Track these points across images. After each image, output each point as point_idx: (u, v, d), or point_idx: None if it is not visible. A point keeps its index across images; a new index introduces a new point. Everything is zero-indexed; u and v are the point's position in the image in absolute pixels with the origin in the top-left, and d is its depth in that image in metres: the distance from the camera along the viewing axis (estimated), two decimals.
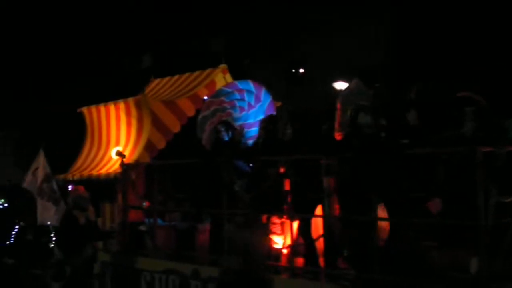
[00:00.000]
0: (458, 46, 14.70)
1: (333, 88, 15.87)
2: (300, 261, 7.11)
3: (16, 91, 30.48)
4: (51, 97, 25.42)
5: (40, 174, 13.13)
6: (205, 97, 10.22)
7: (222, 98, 9.16)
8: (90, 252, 9.01)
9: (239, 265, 3.53)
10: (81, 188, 9.01)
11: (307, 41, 16.29)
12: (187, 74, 10.83)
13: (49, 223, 15.85)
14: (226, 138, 8.06)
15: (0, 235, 14.83)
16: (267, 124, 7.62)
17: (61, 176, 10.83)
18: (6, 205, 15.46)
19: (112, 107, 10.35)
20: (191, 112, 10.10)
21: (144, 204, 10.29)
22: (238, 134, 8.14)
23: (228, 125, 8.09)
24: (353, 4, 16.13)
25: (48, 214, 14.01)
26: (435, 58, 14.76)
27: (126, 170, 9.56)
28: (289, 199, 7.52)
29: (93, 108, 10.76)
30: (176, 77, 11.03)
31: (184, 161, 8.64)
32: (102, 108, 10.56)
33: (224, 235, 6.85)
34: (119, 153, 9.72)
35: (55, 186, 13.66)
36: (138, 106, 9.86)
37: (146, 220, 10.20)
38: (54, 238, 16.55)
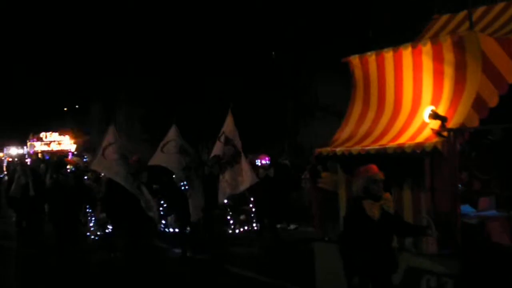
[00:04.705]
0: None
1: None
2: None
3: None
4: None
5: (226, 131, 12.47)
6: None
7: None
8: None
9: None
10: (374, 167, 6.18)
11: None
12: (502, 4, 7.69)
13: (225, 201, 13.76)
14: None
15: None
16: None
17: (325, 150, 8.01)
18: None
19: (407, 51, 7.37)
20: None
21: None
22: None
23: None
24: None
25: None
26: None
27: (453, 138, 6.65)
28: None
29: (371, 57, 7.83)
30: (482, 8, 7.92)
31: None
32: (387, 54, 7.61)
33: None
34: (435, 115, 6.80)
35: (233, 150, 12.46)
36: (460, 46, 6.81)
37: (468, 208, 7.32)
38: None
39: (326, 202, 11.94)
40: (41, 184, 15.50)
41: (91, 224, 13.53)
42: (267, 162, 14.64)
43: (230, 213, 15.76)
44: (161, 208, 14.86)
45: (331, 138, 8.31)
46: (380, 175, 6.10)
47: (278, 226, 14.93)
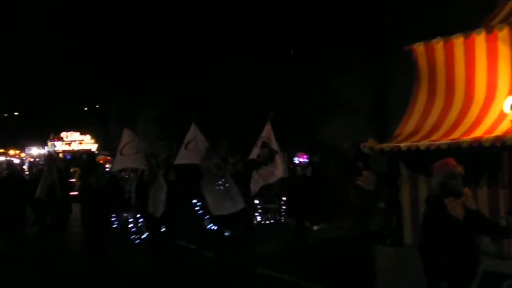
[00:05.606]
0: None
1: None
2: None
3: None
4: None
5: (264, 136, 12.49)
6: None
7: None
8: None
9: None
10: (452, 161, 5.61)
11: None
12: None
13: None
14: None
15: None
16: None
17: (386, 146, 7.45)
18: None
19: (480, 37, 6.81)
20: None
21: None
22: None
23: None
24: None
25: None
26: None
27: None
28: None
29: (438, 43, 7.26)
30: None
31: None
32: (456, 41, 7.04)
33: None
34: None
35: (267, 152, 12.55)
36: None
37: None
38: None
39: (362, 201, 11.46)
40: (67, 185, 15.05)
41: (132, 225, 13.21)
42: (305, 160, 14.11)
43: (260, 211, 15.43)
44: (197, 208, 14.46)
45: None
46: (459, 169, 5.53)
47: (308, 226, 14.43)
